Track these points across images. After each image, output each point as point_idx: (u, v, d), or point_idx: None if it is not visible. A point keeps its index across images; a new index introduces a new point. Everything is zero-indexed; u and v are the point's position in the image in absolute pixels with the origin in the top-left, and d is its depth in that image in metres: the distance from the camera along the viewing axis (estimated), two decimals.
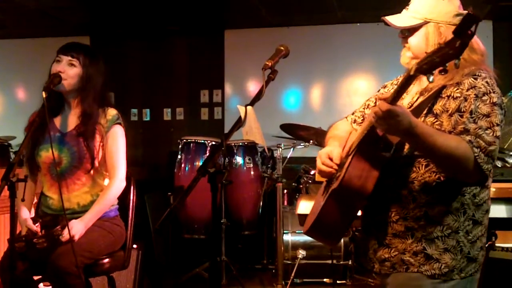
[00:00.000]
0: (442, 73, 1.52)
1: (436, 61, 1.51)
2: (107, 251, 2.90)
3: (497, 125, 1.79)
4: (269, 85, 2.02)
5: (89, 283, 2.86)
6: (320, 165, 2.10)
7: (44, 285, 3.00)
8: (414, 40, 1.96)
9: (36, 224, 2.75)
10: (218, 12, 6.24)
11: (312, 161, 5.44)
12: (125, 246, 3.04)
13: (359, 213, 2.09)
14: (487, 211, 1.96)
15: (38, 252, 2.67)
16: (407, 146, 1.92)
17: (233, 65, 6.75)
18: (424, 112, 1.90)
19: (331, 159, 2.07)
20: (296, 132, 5.21)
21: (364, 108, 2.29)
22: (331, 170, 2.07)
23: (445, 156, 1.75)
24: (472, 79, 1.85)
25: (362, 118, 2.26)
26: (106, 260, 2.89)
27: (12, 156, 5.63)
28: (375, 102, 2.22)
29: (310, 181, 5.01)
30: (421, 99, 1.95)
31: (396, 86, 1.71)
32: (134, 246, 3.31)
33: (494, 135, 1.78)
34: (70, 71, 2.86)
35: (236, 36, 6.76)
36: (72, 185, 2.90)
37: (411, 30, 1.97)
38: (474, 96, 1.81)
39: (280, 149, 4.71)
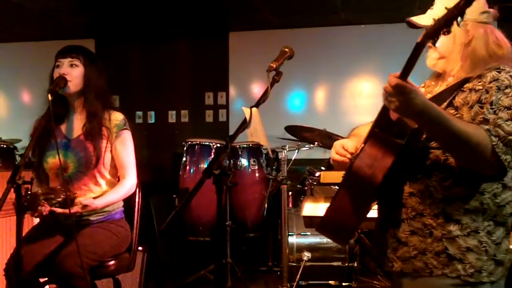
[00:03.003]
0: (446, 33, 1.52)
1: (441, 23, 1.51)
2: (113, 253, 2.91)
3: None
4: (273, 87, 2.02)
5: (95, 285, 2.87)
6: (334, 154, 2.04)
7: (50, 287, 3.01)
8: (441, 40, 1.88)
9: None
10: (222, 15, 6.24)
11: (317, 162, 5.50)
12: (130, 248, 3.05)
13: (375, 213, 2.03)
14: (511, 214, 1.87)
15: (46, 246, 2.65)
16: (423, 136, 1.86)
17: (238, 67, 6.75)
18: (445, 104, 1.86)
19: (345, 150, 2.01)
20: (300, 133, 5.21)
21: None
22: (344, 159, 2.00)
23: (461, 142, 1.69)
24: (496, 72, 1.81)
25: None
26: (112, 262, 2.90)
27: (18, 158, 5.65)
28: None
29: (315, 183, 5.00)
30: (436, 91, 1.93)
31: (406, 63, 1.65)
32: (140, 248, 3.31)
33: None
34: (73, 72, 2.87)
35: (241, 38, 6.76)
36: (79, 191, 2.91)
37: None
38: (496, 88, 1.77)
39: (285, 151, 4.70)
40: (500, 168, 1.73)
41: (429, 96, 1.93)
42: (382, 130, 1.85)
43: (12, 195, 2.29)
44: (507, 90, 1.77)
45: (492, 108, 1.75)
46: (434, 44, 1.85)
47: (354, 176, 1.85)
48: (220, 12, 6.09)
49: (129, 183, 2.94)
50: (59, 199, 2.59)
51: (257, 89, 6.66)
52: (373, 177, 1.81)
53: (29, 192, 2.50)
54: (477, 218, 1.81)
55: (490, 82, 1.79)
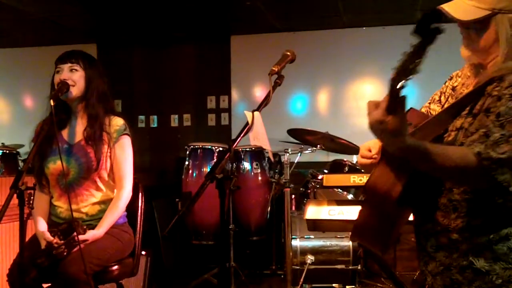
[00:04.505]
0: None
1: (400, 72, 1.42)
2: (116, 258, 2.90)
3: None
4: (275, 90, 2.02)
5: None
6: (360, 158, 1.97)
7: None
8: (481, 34, 1.73)
9: (54, 236, 2.72)
10: (224, 18, 6.25)
11: (319, 165, 5.50)
12: (134, 253, 3.04)
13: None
14: None
15: (59, 261, 2.67)
16: None
17: (240, 71, 6.76)
18: (465, 112, 1.74)
19: (370, 151, 1.94)
20: (303, 137, 5.21)
21: (429, 103, 2.06)
22: (370, 161, 1.93)
23: (446, 174, 1.64)
24: None
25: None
26: (115, 267, 2.90)
27: (21, 164, 5.66)
28: (440, 96, 2.02)
29: (318, 186, 4.99)
30: (464, 92, 1.80)
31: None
32: (143, 252, 3.31)
33: None
34: (74, 76, 2.87)
35: (243, 41, 6.77)
36: (81, 196, 2.91)
37: (476, 22, 1.71)
38: (509, 96, 1.61)
39: (288, 154, 4.70)
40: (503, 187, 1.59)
41: (460, 94, 1.82)
42: None
43: (15, 200, 2.28)
44: None
45: (499, 120, 1.60)
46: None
47: (370, 193, 1.78)
48: (222, 15, 6.10)
49: (125, 195, 2.93)
50: (65, 253, 2.65)
51: (259, 93, 6.67)
52: (390, 194, 1.70)
53: (44, 252, 2.66)
54: (507, 224, 1.68)
55: (506, 88, 1.63)
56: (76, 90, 2.87)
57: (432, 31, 1.40)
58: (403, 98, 1.46)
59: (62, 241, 2.65)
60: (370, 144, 1.96)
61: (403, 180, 1.68)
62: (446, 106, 1.91)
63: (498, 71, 1.68)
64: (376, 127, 1.52)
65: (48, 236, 2.73)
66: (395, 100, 1.46)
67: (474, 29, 1.74)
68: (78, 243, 2.61)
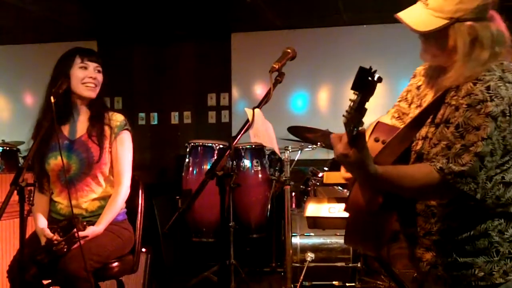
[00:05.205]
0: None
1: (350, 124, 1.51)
2: (116, 255, 2.91)
3: (484, 139, 1.62)
4: (276, 88, 2.02)
5: (99, 287, 2.87)
6: (344, 173, 2.01)
7: None
8: (440, 42, 1.75)
9: (54, 232, 2.73)
10: (225, 16, 6.25)
11: (320, 163, 5.50)
12: (134, 250, 3.04)
13: None
14: None
15: (59, 258, 2.67)
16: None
17: (240, 68, 6.76)
18: (429, 120, 1.81)
19: None
20: (303, 134, 5.20)
21: (399, 101, 2.11)
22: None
23: (409, 193, 1.76)
24: (471, 85, 1.68)
25: (398, 113, 2.09)
26: (115, 264, 2.90)
27: (21, 161, 5.65)
28: (407, 94, 2.06)
29: (318, 184, 4.99)
30: (427, 102, 1.85)
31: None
32: (143, 250, 3.31)
33: (476, 151, 1.63)
34: (99, 78, 2.95)
35: (243, 39, 6.77)
36: (81, 192, 2.91)
37: (435, 31, 1.73)
38: (466, 106, 1.66)
39: (288, 151, 4.70)
40: (472, 196, 1.68)
41: (414, 111, 1.90)
42: None
43: (15, 197, 2.29)
44: (479, 106, 1.64)
45: (458, 131, 1.67)
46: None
47: (352, 211, 1.87)
48: (222, 13, 6.10)
49: (124, 191, 2.94)
50: (65, 249, 2.65)
51: (259, 90, 6.66)
52: (370, 207, 1.80)
53: (44, 248, 2.67)
54: (484, 220, 1.75)
55: (463, 97, 1.69)
56: (97, 92, 2.93)
57: (370, 84, 1.47)
58: (360, 133, 1.55)
59: (62, 238, 2.66)
60: None
61: (379, 199, 1.78)
62: (411, 116, 1.96)
63: (456, 81, 1.72)
64: (342, 160, 1.63)
65: (48, 232, 2.73)
66: (353, 137, 1.55)
67: (433, 37, 1.77)
68: (78, 239, 2.61)
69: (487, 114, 1.63)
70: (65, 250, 2.65)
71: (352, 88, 1.47)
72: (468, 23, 1.70)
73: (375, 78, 1.43)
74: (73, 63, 2.90)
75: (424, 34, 1.77)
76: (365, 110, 1.49)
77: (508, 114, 1.64)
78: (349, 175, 1.95)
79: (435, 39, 1.76)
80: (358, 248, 2.17)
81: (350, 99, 1.51)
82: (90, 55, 2.94)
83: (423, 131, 1.82)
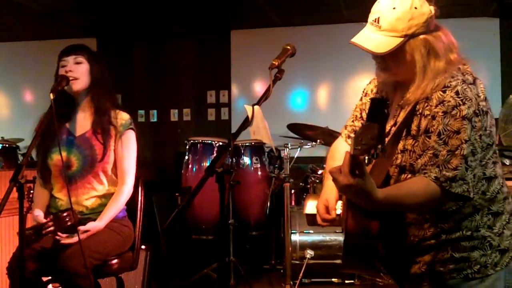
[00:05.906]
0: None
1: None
2: (116, 252, 2.90)
3: (466, 141, 1.71)
4: (275, 85, 2.01)
5: (98, 284, 2.87)
6: (320, 221, 2.09)
7: (53, 286, 3.02)
8: (397, 60, 1.83)
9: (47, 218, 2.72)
10: (224, 13, 6.24)
11: (319, 160, 5.50)
12: (133, 247, 3.05)
13: None
14: (506, 199, 1.91)
15: (49, 245, 2.68)
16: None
17: (240, 66, 6.75)
18: (404, 134, 1.86)
19: (327, 210, 2.05)
20: (303, 131, 5.21)
21: (353, 121, 2.19)
22: (331, 220, 2.05)
23: (413, 209, 1.85)
24: (441, 93, 1.76)
25: (354, 132, 2.16)
26: (115, 261, 2.90)
27: (21, 158, 5.66)
28: (361, 113, 2.15)
29: (317, 181, 5.00)
30: (401, 116, 1.90)
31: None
32: (143, 247, 3.31)
33: (461, 153, 1.71)
34: (79, 69, 2.87)
35: (243, 36, 6.76)
36: (82, 189, 2.91)
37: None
38: (442, 113, 1.74)
39: (287, 149, 4.70)
40: (464, 197, 1.76)
41: (389, 128, 1.93)
42: None
43: (14, 194, 2.29)
44: (454, 112, 1.73)
45: (441, 139, 1.74)
46: None
47: (351, 239, 1.87)
48: (222, 10, 6.09)
49: (127, 190, 2.93)
50: (52, 228, 2.64)
51: (259, 87, 6.66)
52: (369, 234, 1.82)
53: (34, 226, 2.65)
54: (474, 218, 1.86)
55: (436, 106, 1.77)
56: (81, 83, 2.87)
57: (385, 115, 1.55)
58: (361, 161, 1.55)
59: (52, 221, 2.65)
60: (325, 203, 2.06)
61: (377, 216, 1.81)
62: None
63: (424, 93, 1.79)
64: (347, 192, 1.64)
65: (41, 217, 2.75)
66: (355, 165, 1.56)
67: (390, 56, 1.82)
68: (77, 232, 2.61)
69: (463, 117, 1.72)
70: (51, 228, 2.63)
71: (367, 120, 1.52)
72: (422, 36, 1.80)
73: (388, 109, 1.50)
74: (58, 65, 2.90)
75: (382, 55, 1.83)
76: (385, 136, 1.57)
77: (479, 113, 1.75)
78: (326, 223, 2.05)
79: (393, 57, 1.83)
80: (356, 272, 2.19)
81: (361, 130, 1.52)
82: (67, 51, 2.90)
83: (401, 145, 1.87)
